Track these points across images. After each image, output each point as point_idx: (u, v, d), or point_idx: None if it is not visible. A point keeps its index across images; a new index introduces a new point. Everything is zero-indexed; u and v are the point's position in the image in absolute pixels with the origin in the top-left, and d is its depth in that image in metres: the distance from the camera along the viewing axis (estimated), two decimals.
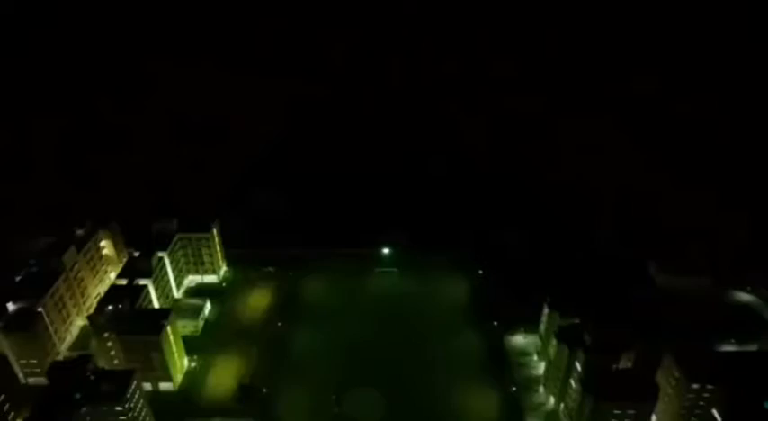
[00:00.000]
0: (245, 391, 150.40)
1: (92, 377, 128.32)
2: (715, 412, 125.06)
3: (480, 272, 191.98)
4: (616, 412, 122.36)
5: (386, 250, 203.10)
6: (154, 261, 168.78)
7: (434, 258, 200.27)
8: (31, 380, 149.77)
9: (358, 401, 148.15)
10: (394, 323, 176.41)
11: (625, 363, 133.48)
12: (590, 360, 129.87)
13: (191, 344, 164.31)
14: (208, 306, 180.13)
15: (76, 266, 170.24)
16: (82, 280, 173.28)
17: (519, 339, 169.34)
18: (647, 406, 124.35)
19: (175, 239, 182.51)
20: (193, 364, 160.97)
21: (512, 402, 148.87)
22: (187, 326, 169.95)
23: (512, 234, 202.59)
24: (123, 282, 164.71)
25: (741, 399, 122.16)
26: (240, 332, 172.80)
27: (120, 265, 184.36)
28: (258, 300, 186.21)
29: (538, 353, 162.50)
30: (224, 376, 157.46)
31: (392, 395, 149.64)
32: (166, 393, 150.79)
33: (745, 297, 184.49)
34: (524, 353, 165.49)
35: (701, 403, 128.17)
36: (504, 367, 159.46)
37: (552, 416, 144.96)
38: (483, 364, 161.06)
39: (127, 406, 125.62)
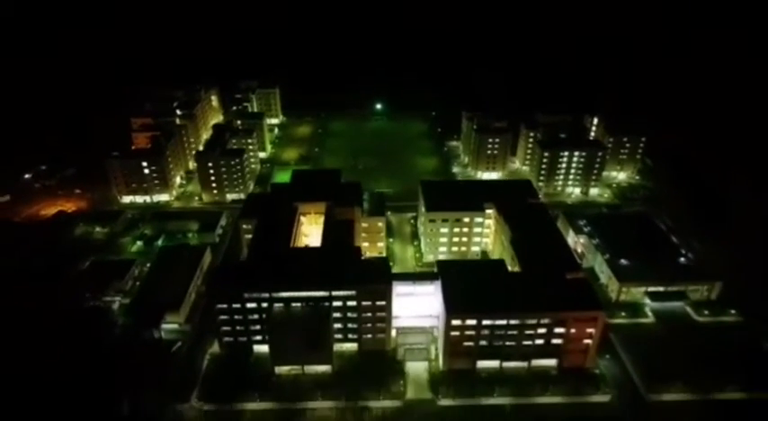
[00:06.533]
0: (304, 157, 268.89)
1: (235, 127, 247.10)
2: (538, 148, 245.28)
3: (434, 113, 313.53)
4: (490, 140, 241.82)
5: (378, 106, 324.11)
6: (250, 96, 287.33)
7: (406, 110, 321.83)
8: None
9: (366, 159, 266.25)
10: (383, 139, 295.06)
11: (500, 125, 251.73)
12: (480, 123, 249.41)
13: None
14: (276, 130, 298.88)
15: (204, 101, 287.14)
16: (204, 111, 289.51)
17: (453, 143, 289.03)
18: (507, 137, 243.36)
19: (257, 91, 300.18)
20: (273, 150, 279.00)
21: (445, 161, 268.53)
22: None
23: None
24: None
25: (549, 136, 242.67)
26: (296, 140, 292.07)
27: (220, 116, 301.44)
28: (304, 129, 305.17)
29: (461, 146, 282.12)
30: (291, 153, 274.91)
31: (383, 159, 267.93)
32: (262, 158, 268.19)
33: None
34: (455, 148, 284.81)
35: (535, 141, 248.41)
36: (443, 149, 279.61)
37: (466, 167, 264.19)
38: (432, 149, 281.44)
39: (253, 140, 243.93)
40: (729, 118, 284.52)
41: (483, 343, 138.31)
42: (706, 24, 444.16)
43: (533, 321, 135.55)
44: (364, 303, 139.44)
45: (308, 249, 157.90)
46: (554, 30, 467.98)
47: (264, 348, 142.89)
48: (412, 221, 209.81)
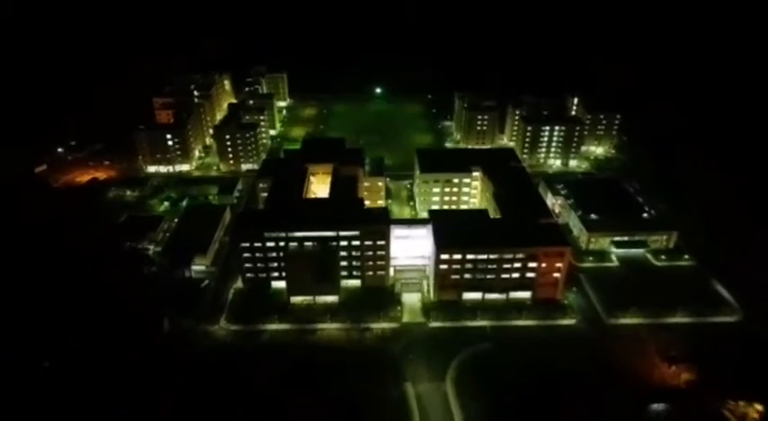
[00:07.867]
0: (311, 134, 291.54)
1: (248, 105, 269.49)
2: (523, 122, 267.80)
3: (429, 96, 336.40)
4: (479, 117, 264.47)
5: (378, 90, 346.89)
6: (260, 80, 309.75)
7: (404, 94, 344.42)
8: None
9: (368, 137, 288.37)
10: (382, 119, 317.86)
11: (489, 104, 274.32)
12: (470, 100, 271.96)
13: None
14: (284, 111, 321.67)
15: (218, 84, 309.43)
16: (219, 93, 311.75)
17: (446, 122, 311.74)
18: (495, 114, 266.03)
19: (266, 75, 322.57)
20: (282, 128, 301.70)
21: (439, 137, 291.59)
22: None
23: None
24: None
25: (533, 113, 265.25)
26: (302, 120, 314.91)
27: (233, 99, 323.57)
28: (309, 111, 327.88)
29: (453, 125, 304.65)
30: (298, 131, 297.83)
31: (383, 136, 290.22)
32: (272, 135, 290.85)
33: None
34: (448, 127, 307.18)
35: (520, 118, 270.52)
36: (437, 128, 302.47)
37: (458, 143, 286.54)
38: (427, 128, 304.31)
39: (264, 117, 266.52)
40: (700, 102, 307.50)
41: (467, 276, 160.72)
42: (689, 14, 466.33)
43: (510, 256, 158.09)
44: (366, 243, 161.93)
45: (318, 199, 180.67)
46: (545, 15, 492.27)
47: (281, 284, 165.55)
48: (408, 186, 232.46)
